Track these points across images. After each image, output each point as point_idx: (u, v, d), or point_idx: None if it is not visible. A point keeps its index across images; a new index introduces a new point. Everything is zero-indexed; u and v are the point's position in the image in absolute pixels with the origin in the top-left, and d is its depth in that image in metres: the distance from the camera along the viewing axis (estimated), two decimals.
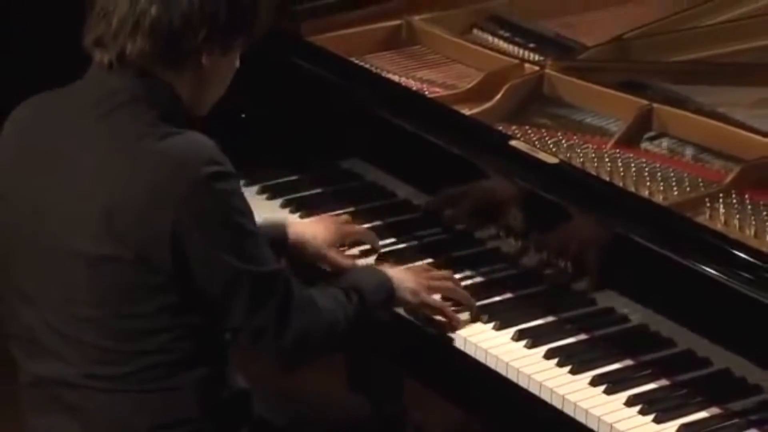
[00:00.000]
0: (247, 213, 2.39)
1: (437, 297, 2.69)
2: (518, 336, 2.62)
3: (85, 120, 2.39)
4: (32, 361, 2.46)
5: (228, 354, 2.50)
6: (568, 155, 2.82)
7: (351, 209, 3.00)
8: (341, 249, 2.85)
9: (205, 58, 2.39)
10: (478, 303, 2.72)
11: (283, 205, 3.03)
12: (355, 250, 2.87)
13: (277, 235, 2.79)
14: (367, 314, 2.59)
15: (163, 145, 2.33)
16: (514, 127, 2.93)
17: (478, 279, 2.81)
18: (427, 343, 2.69)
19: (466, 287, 2.75)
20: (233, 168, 2.38)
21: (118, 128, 2.36)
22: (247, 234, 2.38)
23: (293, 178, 3.10)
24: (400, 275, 2.68)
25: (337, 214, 2.97)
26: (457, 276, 2.77)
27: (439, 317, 2.67)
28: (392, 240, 2.92)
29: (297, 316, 2.43)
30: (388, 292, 2.64)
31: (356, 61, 3.15)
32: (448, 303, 2.69)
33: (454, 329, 2.65)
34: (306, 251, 2.83)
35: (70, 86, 2.45)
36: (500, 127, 2.91)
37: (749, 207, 2.64)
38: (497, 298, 2.74)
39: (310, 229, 2.86)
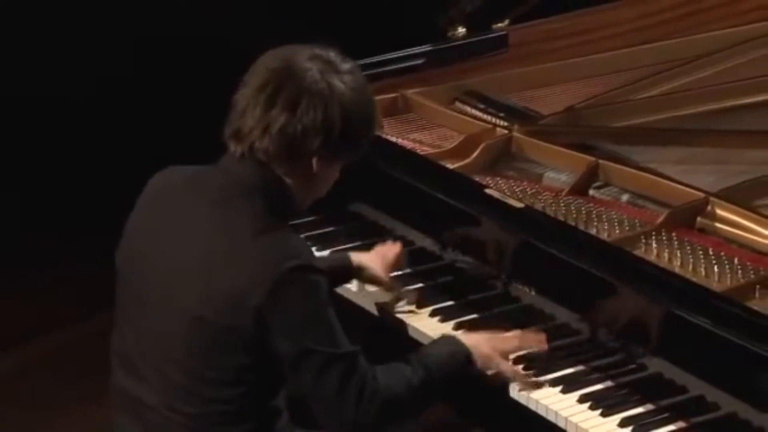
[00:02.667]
0: (325, 301, 2.33)
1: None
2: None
3: (206, 202, 2.37)
4: (125, 375, 2.44)
5: (276, 416, 2.43)
6: (531, 201, 2.82)
7: (358, 243, 2.98)
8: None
9: (315, 162, 2.37)
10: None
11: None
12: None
13: (342, 264, 2.77)
14: (435, 385, 2.44)
15: (260, 240, 2.31)
16: (488, 178, 2.94)
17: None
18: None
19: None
20: (316, 260, 2.36)
21: (229, 215, 2.34)
22: (322, 320, 2.32)
23: (309, 219, 3.04)
24: (475, 342, 2.52)
25: (348, 248, 2.95)
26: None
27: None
28: None
29: (356, 392, 2.33)
30: (461, 361, 2.49)
31: None
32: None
33: (531, 388, 2.50)
34: (364, 275, 2.78)
35: (205, 167, 2.44)
36: (477, 178, 2.92)
37: (676, 243, 2.64)
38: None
39: (367, 257, 2.80)
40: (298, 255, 2.33)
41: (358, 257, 2.81)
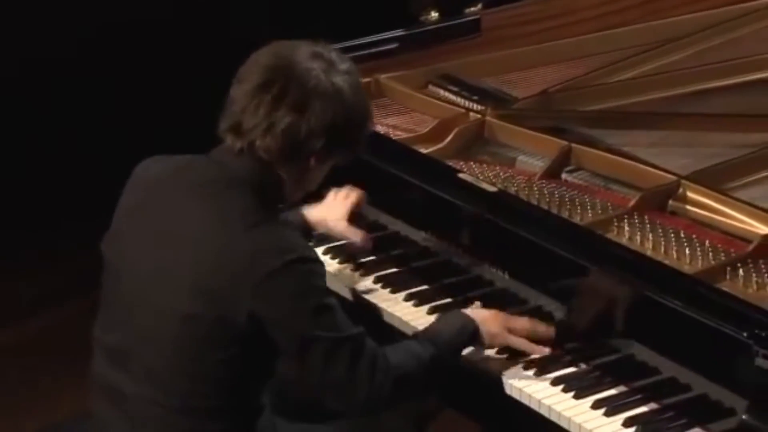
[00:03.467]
0: (323, 289, 2.33)
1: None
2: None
3: (197, 194, 2.35)
4: (107, 364, 2.42)
5: (258, 412, 2.42)
6: (504, 185, 2.83)
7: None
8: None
9: (313, 161, 2.38)
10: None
11: None
12: None
13: (298, 222, 2.75)
14: (444, 360, 2.45)
15: (252, 233, 2.30)
16: (461, 163, 2.94)
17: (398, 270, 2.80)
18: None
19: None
20: (311, 251, 2.36)
21: (221, 209, 2.33)
22: (324, 307, 2.31)
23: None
24: (482, 318, 2.52)
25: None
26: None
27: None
28: (343, 242, 2.89)
29: (368, 372, 2.33)
30: (471, 335, 2.50)
31: None
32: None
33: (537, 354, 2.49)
34: (325, 229, 2.79)
35: (196, 157, 2.42)
36: (450, 163, 2.92)
37: (648, 226, 2.65)
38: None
39: (323, 211, 2.80)
40: (293, 248, 2.32)
41: (312, 214, 2.80)
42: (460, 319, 2.53)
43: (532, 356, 2.56)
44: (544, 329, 2.56)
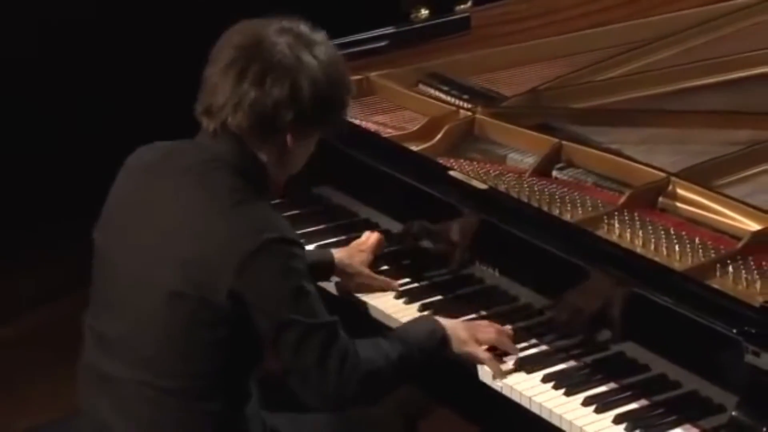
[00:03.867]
0: (302, 273, 2.33)
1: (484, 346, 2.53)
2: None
3: (184, 175, 2.37)
4: (97, 350, 2.43)
5: (246, 397, 2.42)
6: (495, 182, 2.83)
7: (322, 226, 3.00)
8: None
9: (289, 139, 2.37)
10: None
11: None
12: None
13: (324, 260, 2.75)
14: (412, 360, 2.45)
15: (234, 212, 2.31)
16: (451, 160, 2.95)
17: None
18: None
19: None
20: (293, 233, 2.36)
21: (207, 188, 2.34)
22: (301, 291, 2.31)
23: (275, 201, 2.92)
24: (451, 325, 2.53)
25: (314, 230, 2.97)
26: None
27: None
28: (336, 239, 2.92)
29: (337, 362, 2.33)
30: (440, 340, 2.49)
31: None
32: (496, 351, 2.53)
33: (501, 376, 2.49)
34: (347, 272, 2.76)
35: (182, 142, 2.44)
36: (441, 160, 2.93)
37: (638, 223, 2.65)
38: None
39: (347, 253, 2.79)
40: (275, 227, 2.33)
41: (339, 254, 2.79)
42: (430, 324, 2.53)
43: (522, 354, 2.56)
44: (509, 344, 2.55)
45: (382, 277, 2.78)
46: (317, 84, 2.35)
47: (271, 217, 2.36)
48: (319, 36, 2.41)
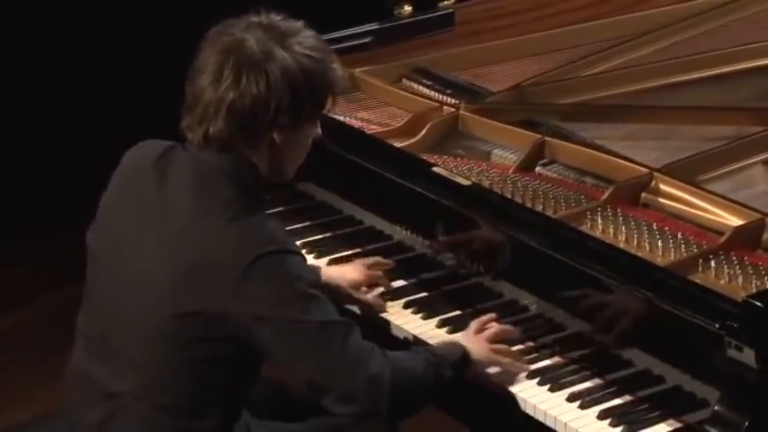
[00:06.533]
0: (306, 279, 2.28)
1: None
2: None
3: (178, 187, 2.33)
4: (88, 358, 2.40)
5: (237, 414, 2.38)
6: (478, 179, 2.83)
7: (307, 223, 3.00)
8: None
9: (276, 134, 2.32)
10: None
11: None
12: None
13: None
14: (445, 379, 2.40)
15: (234, 226, 2.27)
16: (435, 157, 2.94)
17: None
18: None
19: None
20: (292, 244, 2.33)
21: (203, 202, 2.30)
22: (308, 295, 2.27)
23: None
24: (467, 341, 2.49)
25: (298, 227, 2.97)
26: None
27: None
28: (321, 237, 2.94)
29: (363, 354, 2.27)
30: (462, 353, 2.45)
31: None
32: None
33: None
34: (339, 292, 2.69)
35: (177, 147, 2.39)
36: (425, 157, 2.92)
37: (621, 219, 2.66)
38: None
39: (339, 272, 2.75)
40: (272, 240, 2.28)
41: (329, 272, 2.75)
42: (451, 341, 2.51)
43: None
44: (511, 329, 2.55)
45: (365, 297, 2.73)
46: (291, 75, 2.29)
47: (269, 230, 2.31)
48: (293, 24, 2.35)
